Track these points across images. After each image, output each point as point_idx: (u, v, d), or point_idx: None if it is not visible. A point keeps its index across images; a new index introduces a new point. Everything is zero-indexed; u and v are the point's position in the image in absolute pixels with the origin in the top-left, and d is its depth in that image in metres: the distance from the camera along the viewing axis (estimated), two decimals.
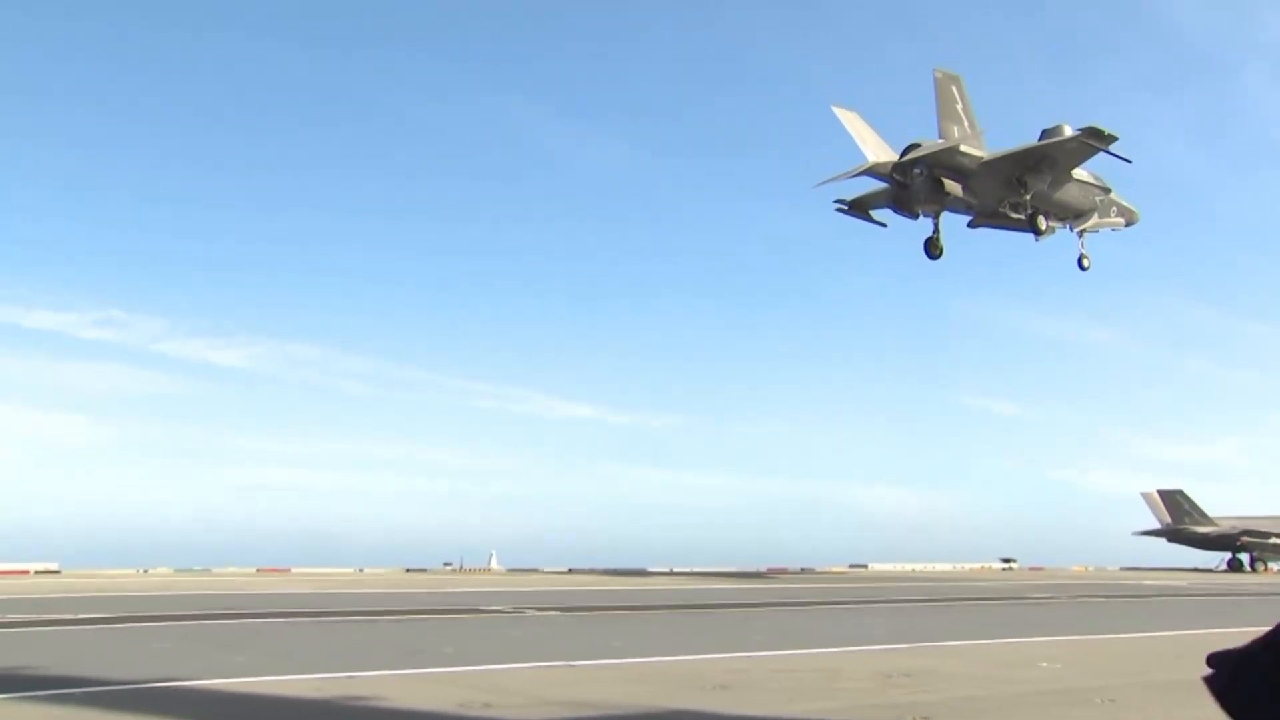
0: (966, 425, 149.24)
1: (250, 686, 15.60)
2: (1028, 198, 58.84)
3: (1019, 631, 26.98)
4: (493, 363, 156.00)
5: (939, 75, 56.43)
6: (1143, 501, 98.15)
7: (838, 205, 60.84)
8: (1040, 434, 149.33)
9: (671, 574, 67.12)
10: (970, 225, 61.57)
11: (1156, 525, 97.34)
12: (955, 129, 56.26)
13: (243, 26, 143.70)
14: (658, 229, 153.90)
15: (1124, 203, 64.29)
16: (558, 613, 32.59)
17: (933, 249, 60.96)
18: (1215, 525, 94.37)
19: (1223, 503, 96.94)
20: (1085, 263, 63.77)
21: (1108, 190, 62.71)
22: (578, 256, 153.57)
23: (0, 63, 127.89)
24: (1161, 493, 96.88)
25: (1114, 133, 55.69)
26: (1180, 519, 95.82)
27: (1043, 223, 60.67)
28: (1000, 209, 59.62)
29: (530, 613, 32.14)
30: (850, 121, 57.20)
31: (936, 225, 60.57)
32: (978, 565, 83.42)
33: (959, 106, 56.42)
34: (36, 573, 59.03)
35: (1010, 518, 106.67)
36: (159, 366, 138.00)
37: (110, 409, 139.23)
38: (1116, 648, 24.03)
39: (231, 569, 64.65)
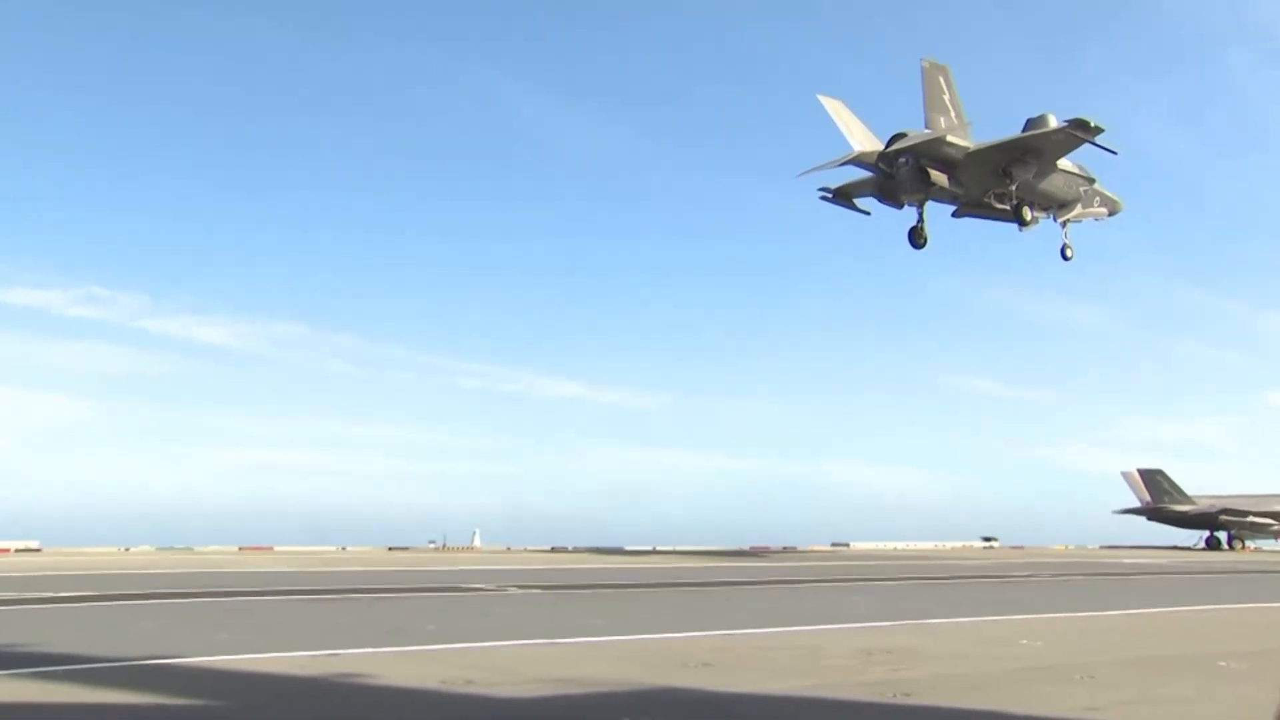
0: (950, 404, 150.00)
1: (235, 664, 15.62)
2: (1013, 188, 58.87)
3: (1000, 610, 27.17)
4: (478, 341, 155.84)
5: (926, 65, 56.29)
6: (1123, 481, 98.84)
7: (822, 193, 60.83)
8: (1023, 413, 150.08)
9: (654, 552, 67.33)
10: (955, 215, 61.70)
11: (1136, 504, 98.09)
12: (942, 119, 56.16)
13: (227, 7, 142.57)
14: (644, 209, 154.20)
15: (1107, 193, 64.46)
16: (540, 591, 32.66)
17: (917, 238, 61.11)
18: (1194, 504, 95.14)
19: (1205, 482, 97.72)
20: (1068, 253, 64.13)
21: (1092, 180, 62.82)
22: (565, 236, 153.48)
23: None
24: (1142, 472, 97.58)
25: (1100, 124, 55.70)
26: (1160, 498, 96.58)
27: (1028, 214, 60.83)
28: (985, 199, 59.74)
29: (513, 591, 32.20)
30: (836, 110, 57.21)
31: (921, 214, 60.70)
32: (959, 544, 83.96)
33: (946, 97, 56.31)
34: (17, 551, 58.87)
35: (992, 497, 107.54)
36: (141, 343, 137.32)
37: (92, 387, 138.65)
38: (1096, 625, 24.24)
39: (214, 547, 64.58)
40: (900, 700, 13.12)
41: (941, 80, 56.39)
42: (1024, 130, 58.21)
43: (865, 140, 56.71)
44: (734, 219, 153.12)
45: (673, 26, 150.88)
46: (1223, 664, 16.47)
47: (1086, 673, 15.52)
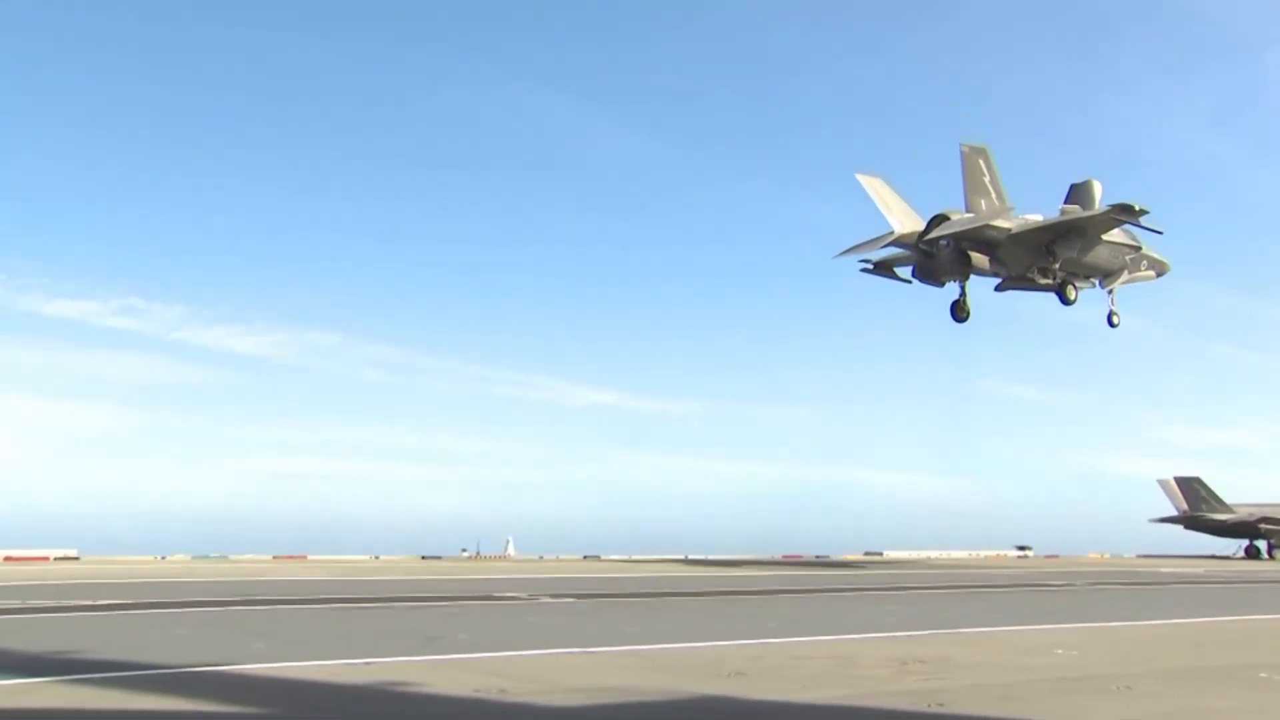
0: (986, 411, 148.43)
1: (271, 672, 15.72)
2: (1056, 265, 58.73)
3: (1035, 619, 26.98)
4: (512, 349, 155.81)
5: (966, 149, 56.14)
6: (1159, 489, 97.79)
7: (862, 265, 60.49)
8: (1059, 420, 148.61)
9: (687, 561, 67.20)
10: (997, 289, 61.44)
11: (1174, 512, 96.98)
12: (983, 202, 55.86)
13: (259, 18, 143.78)
14: (679, 217, 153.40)
15: (1155, 255, 63.34)
16: (574, 599, 32.69)
17: (959, 312, 60.60)
18: (1233, 512, 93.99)
19: (1244, 489, 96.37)
20: (1115, 319, 63.40)
21: (1138, 248, 61.92)
22: (598, 243, 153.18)
23: (11, 54, 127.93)
24: (1179, 480, 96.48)
25: (1145, 206, 55.60)
26: (1198, 506, 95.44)
27: (1072, 293, 60.45)
28: (1029, 274, 59.41)
29: (546, 600, 32.25)
30: (874, 188, 57.36)
31: (963, 290, 60.24)
32: (993, 553, 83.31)
33: (986, 179, 56.07)
34: (56, 559, 59.45)
35: (1027, 504, 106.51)
36: (178, 354, 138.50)
37: (129, 397, 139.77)
38: (1133, 635, 24.01)
39: (249, 556, 64.95)
40: (934, 710, 13.05)
41: (981, 163, 56.19)
42: (1068, 196, 58.31)
43: (905, 219, 56.53)
44: (771, 227, 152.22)
45: (706, 29, 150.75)
46: (1264, 675, 16.30)
47: (1124, 683, 15.39)
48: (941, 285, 59.63)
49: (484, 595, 33.60)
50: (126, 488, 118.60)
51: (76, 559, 60.70)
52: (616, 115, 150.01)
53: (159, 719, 12.44)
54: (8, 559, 58.12)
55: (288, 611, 27.94)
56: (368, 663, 16.85)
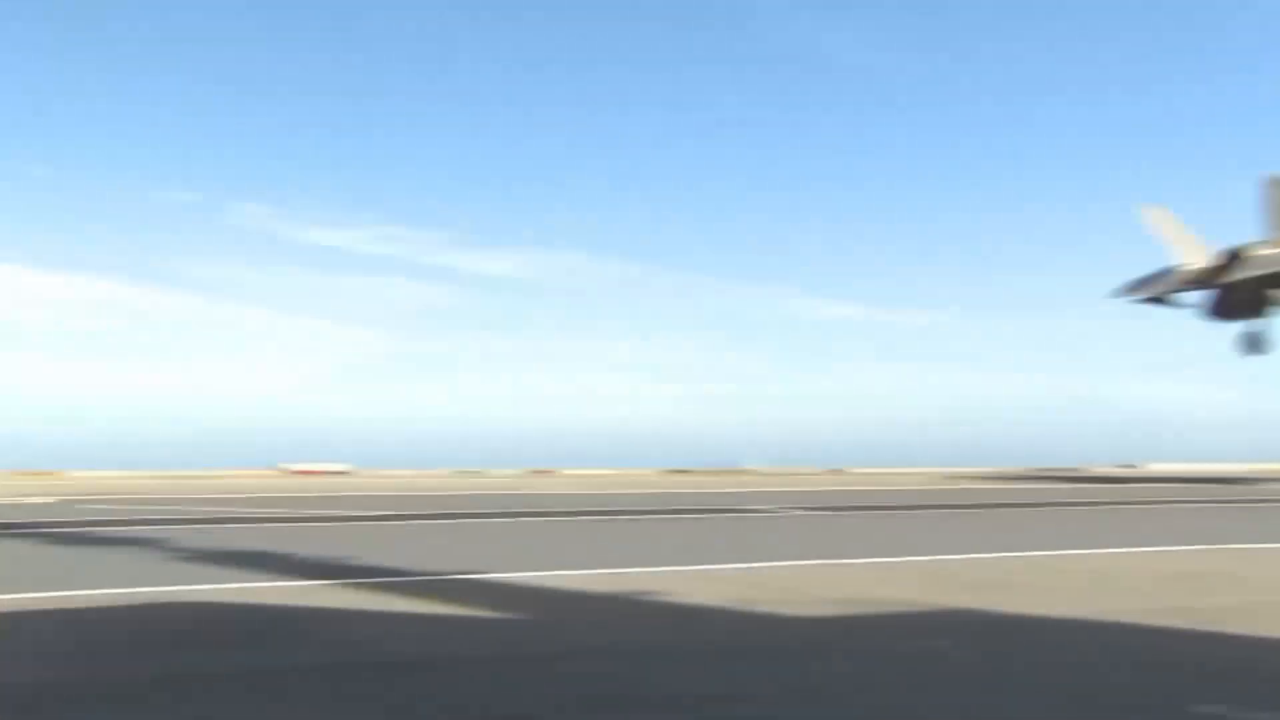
0: None
1: (528, 580, 16.39)
2: None
3: None
4: (753, 262, 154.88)
5: (1269, 180, 53.31)
6: None
7: (1134, 299, 57.87)
8: None
9: (929, 474, 66.20)
10: None
11: None
12: None
13: None
14: (917, 122, 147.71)
15: None
16: (822, 511, 32.75)
17: (1257, 344, 57.20)
18: None
19: None
20: None
21: None
22: (835, 150, 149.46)
23: None
24: None
25: None
26: None
27: None
28: None
29: (797, 512, 32.41)
30: (1160, 221, 55.18)
31: (1257, 324, 56.87)
32: (1266, 466, 78.36)
33: None
34: (329, 474, 63.77)
35: None
36: (432, 277, 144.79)
37: (389, 319, 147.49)
38: None
39: (504, 470, 67.86)
40: (1205, 626, 12.43)
41: None
42: None
43: (1194, 255, 53.79)
44: (1026, 130, 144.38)
45: None
46: None
47: None
48: (1232, 321, 56.59)
49: (732, 508, 34.04)
50: (389, 408, 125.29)
51: (347, 473, 64.97)
52: (870, 21, 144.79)
53: (418, 621, 13.19)
54: (293, 473, 62.87)
55: (540, 523, 29.09)
56: (620, 573, 17.36)
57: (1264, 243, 52.58)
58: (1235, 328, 56.74)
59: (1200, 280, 54.17)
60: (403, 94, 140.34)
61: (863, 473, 67.23)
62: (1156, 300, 56.99)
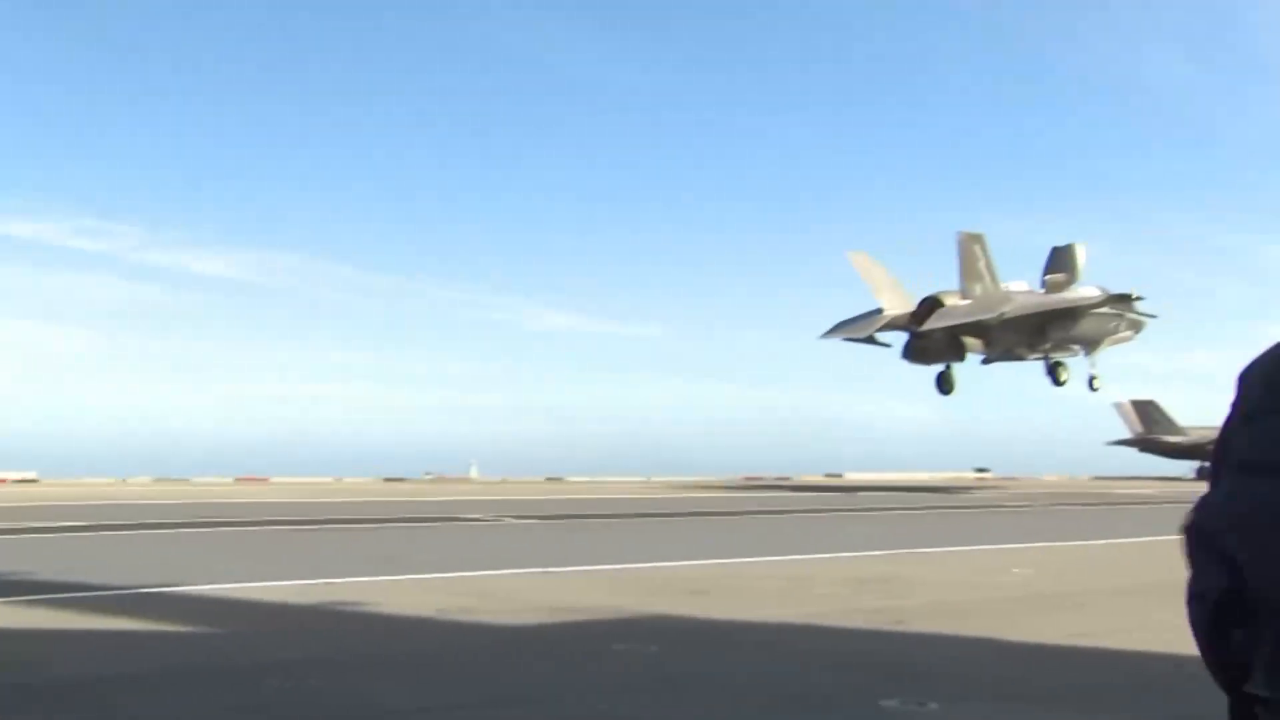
0: None
1: (233, 592, 15.71)
2: (1048, 346, 60.50)
3: (992, 539, 27.39)
4: (475, 271, 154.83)
5: (962, 237, 56.91)
6: (1115, 412, 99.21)
7: (845, 339, 60.89)
8: None
9: (649, 483, 67.69)
10: (983, 363, 62.07)
11: (1129, 435, 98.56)
12: (978, 287, 56.57)
13: None
14: (647, 136, 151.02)
15: (1136, 315, 64.22)
16: (537, 520, 32.89)
17: (945, 385, 61.26)
18: (1185, 434, 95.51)
19: (1204, 413, 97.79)
20: (1096, 384, 64.41)
21: (1122, 315, 62.85)
22: (564, 163, 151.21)
23: None
24: (1134, 403, 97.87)
25: (1139, 294, 59.67)
26: (1151, 428, 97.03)
27: (1063, 374, 62.32)
28: (1017, 351, 60.90)
29: (510, 520, 32.41)
30: (864, 266, 58.14)
31: (950, 368, 60.91)
32: (953, 474, 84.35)
33: (981, 264, 56.92)
34: (15, 481, 59.08)
35: (988, 428, 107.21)
36: (140, 276, 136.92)
37: (90, 318, 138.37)
38: (1086, 554, 24.47)
39: (211, 478, 64.79)
40: (890, 627, 13.25)
41: (977, 248, 57.03)
42: (1049, 261, 60.63)
43: (895, 300, 57.08)
44: (739, 148, 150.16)
45: None
46: None
47: (1077, 600, 15.68)
48: (929, 365, 60.56)
49: (447, 516, 33.71)
50: (86, 410, 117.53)
51: (36, 481, 60.37)
52: (588, 33, 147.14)
53: (111, 638, 12.40)
54: None
55: (248, 533, 27.95)
56: (330, 583, 16.87)
57: (957, 293, 56.61)
58: (932, 369, 60.88)
59: (901, 325, 57.71)
60: (96, 83, 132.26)
61: (581, 481, 68.00)
62: (862, 340, 60.34)
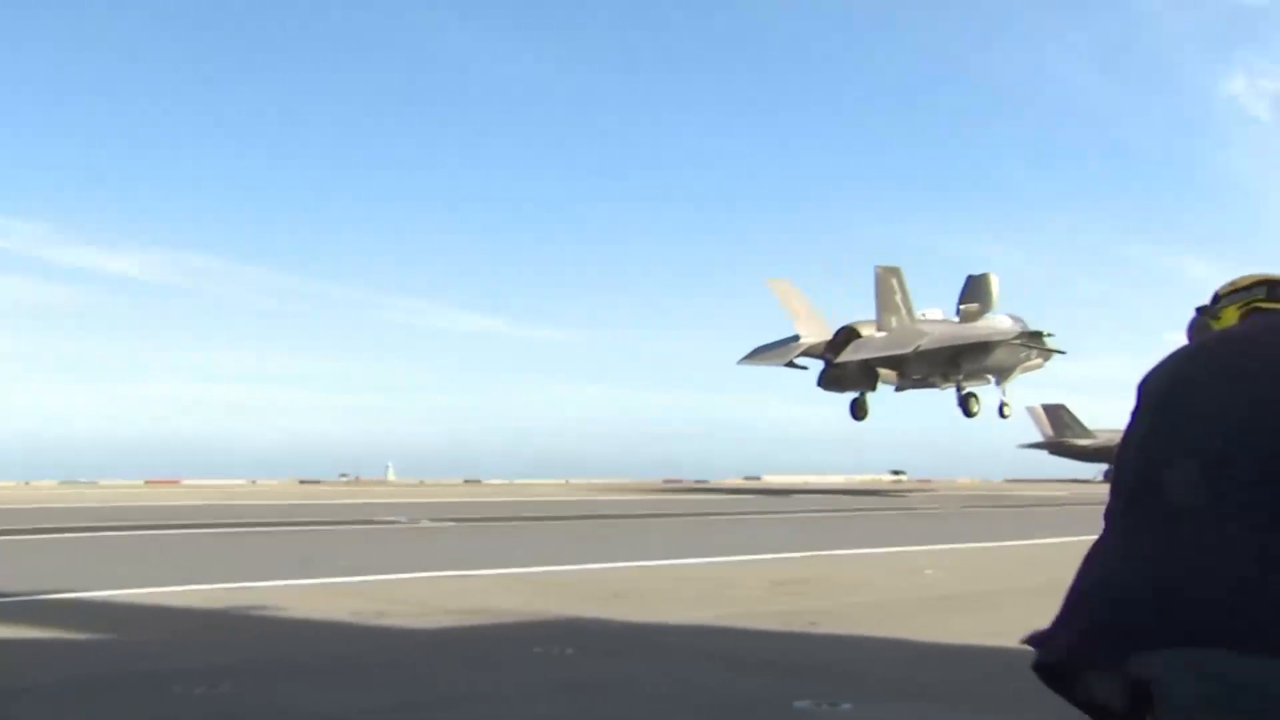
0: None
1: (139, 597, 15.34)
2: (960, 376, 62.27)
3: (907, 540, 27.73)
4: (392, 274, 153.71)
5: (880, 271, 57.85)
6: (1028, 415, 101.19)
7: (763, 365, 61.78)
8: None
9: (568, 485, 67.55)
10: (896, 390, 63.30)
11: (1040, 438, 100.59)
12: (893, 319, 57.62)
13: None
14: (568, 140, 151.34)
15: (1046, 346, 66.21)
16: (455, 523, 32.61)
17: (859, 411, 62.46)
18: (1094, 438, 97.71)
19: (1109, 417, 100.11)
20: (1006, 410, 65.79)
21: (1031, 346, 64.79)
22: (484, 166, 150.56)
23: None
24: (1045, 406, 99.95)
25: (1050, 332, 63.48)
26: (1062, 432, 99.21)
27: (974, 405, 63.89)
28: (930, 380, 62.44)
29: (426, 523, 32.11)
30: (783, 293, 59.32)
31: (864, 395, 62.30)
32: (869, 477, 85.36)
33: (897, 297, 57.97)
34: None
35: (903, 431, 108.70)
36: (46, 274, 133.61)
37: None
38: (998, 555, 24.88)
39: (120, 481, 63.29)
40: (806, 629, 13.34)
41: (894, 282, 58.07)
42: (964, 290, 61.96)
43: (813, 329, 58.55)
44: (669, 152, 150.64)
45: None
46: None
47: (990, 600, 15.91)
48: (843, 392, 61.87)
49: (363, 519, 33.31)
50: None
51: None
52: (503, 32, 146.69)
53: (6, 648, 12.02)
54: None
55: (157, 537, 27.33)
56: (243, 587, 16.57)
57: (874, 323, 57.77)
58: (847, 396, 62.17)
59: (817, 353, 58.92)
60: None
61: (500, 484, 67.64)
62: (781, 365, 61.04)
